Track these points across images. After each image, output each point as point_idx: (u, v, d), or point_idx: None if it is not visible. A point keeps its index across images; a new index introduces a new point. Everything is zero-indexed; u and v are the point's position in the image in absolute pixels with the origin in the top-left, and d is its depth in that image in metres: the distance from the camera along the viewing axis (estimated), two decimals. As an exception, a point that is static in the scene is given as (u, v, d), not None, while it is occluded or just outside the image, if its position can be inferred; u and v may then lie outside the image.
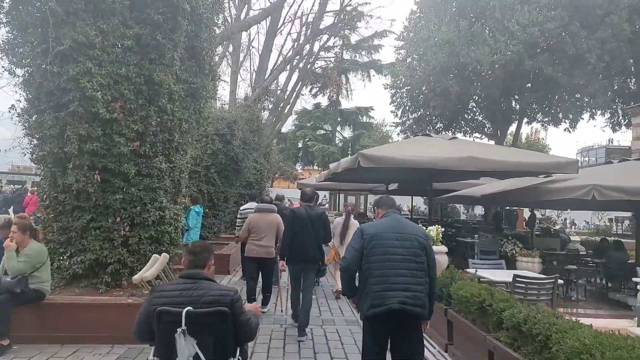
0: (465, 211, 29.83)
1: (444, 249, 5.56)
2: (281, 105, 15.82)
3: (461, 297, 3.82)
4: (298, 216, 5.61)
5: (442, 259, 5.54)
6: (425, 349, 3.40)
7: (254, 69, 15.36)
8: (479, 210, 29.00)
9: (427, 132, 10.41)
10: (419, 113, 21.83)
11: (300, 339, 5.25)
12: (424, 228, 4.23)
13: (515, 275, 4.48)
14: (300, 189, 14.96)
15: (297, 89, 16.66)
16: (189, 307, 2.40)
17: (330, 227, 5.97)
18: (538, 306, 3.38)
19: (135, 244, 5.52)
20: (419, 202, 28.94)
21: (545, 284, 4.47)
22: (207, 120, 6.67)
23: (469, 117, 21.64)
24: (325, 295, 7.81)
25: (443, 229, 5.77)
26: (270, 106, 13.46)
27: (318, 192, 18.69)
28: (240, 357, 2.64)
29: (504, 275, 4.98)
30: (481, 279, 4.77)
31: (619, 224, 24.76)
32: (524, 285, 4.51)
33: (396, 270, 3.09)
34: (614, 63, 16.95)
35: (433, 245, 5.59)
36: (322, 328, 5.78)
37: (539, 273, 8.60)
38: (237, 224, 8.18)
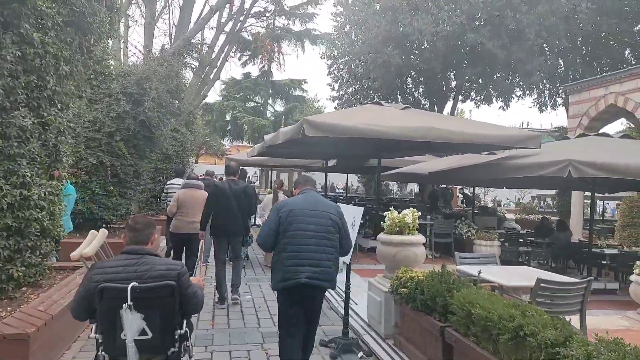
0: (399, 189, 29.62)
1: (421, 238, 4.35)
2: (207, 68, 13.78)
3: (480, 318, 2.59)
4: (221, 190, 5.83)
5: (418, 251, 4.33)
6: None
7: (173, 23, 13.14)
8: (411, 188, 28.94)
9: (379, 101, 9.13)
10: (357, 86, 20.70)
11: (235, 297, 5.79)
12: (360, 208, 4.06)
13: (540, 280, 3.36)
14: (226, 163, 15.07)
15: (225, 51, 14.66)
16: (134, 283, 2.37)
17: (257, 202, 6.27)
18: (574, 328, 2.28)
19: (-20, 238, 3.68)
20: (353, 180, 28.15)
21: (577, 289, 3.41)
22: (99, 63, 4.83)
23: (407, 92, 20.91)
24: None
25: (418, 213, 4.49)
26: (194, 65, 11.43)
27: (248, 169, 17.24)
28: (187, 329, 2.65)
29: (515, 277, 3.86)
30: (492, 286, 3.59)
31: (541, 202, 25.79)
32: (550, 294, 3.41)
33: (308, 246, 3.23)
34: (550, 40, 16.91)
35: (409, 234, 4.37)
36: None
37: (499, 257, 7.87)
38: (161, 198, 8.75)
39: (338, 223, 3.37)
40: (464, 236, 8.79)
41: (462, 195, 20.84)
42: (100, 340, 2.46)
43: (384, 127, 6.95)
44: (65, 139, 4.54)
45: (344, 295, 4.42)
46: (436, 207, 17.53)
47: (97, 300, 2.38)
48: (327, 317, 5.34)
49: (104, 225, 8.36)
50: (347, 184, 21.91)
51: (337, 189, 31.51)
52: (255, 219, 15.78)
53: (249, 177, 17.54)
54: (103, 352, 2.45)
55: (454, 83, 20.91)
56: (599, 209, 21.32)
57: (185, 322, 2.64)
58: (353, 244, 3.76)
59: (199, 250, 6.62)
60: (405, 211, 4.37)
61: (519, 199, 28.36)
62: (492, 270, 3.96)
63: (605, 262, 8.11)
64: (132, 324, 2.32)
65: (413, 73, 19.80)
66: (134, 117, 7.98)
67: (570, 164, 6.08)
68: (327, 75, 20.67)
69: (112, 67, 8.57)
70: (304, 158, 15.44)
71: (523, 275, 3.92)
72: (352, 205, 4.36)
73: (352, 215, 4.04)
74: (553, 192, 23.00)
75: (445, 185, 19.45)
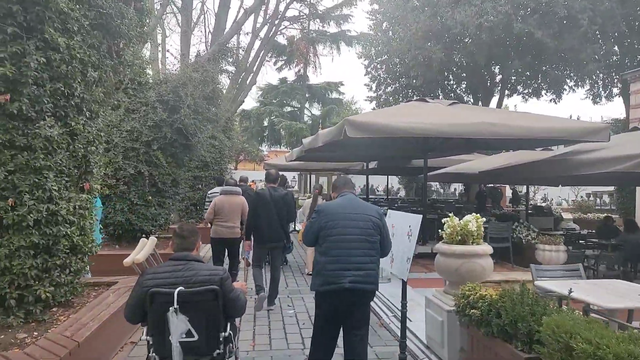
0: (441, 190, 28.53)
1: (488, 249, 3.75)
2: (243, 74, 13.60)
3: (586, 355, 2.02)
4: (261, 197, 5.87)
5: (486, 264, 3.75)
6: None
7: (209, 30, 13.05)
8: (455, 187, 27.82)
9: (423, 97, 8.53)
10: (396, 85, 20.02)
11: (270, 307, 5.79)
12: (419, 216, 3.61)
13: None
14: (266, 169, 15.16)
15: (260, 55, 14.45)
16: (181, 287, 2.47)
17: (295, 208, 6.22)
18: None
19: (5, 257, 3.43)
20: (393, 182, 27.36)
21: None
22: (131, 68, 4.59)
23: (448, 89, 20.04)
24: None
25: (483, 219, 3.90)
26: (230, 70, 11.23)
27: (286, 173, 16.99)
28: (230, 332, 2.72)
29: (614, 296, 3.14)
30: (590, 310, 2.97)
31: (598, 199, 24.06)
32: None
33: (349, 250, 3.20)
34: (605, 26, 15.63)
35: (473, 243, 3.80)
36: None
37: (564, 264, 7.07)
38: (204, 207, 8.86)
39: (379, 224, 3.33)
40: (524, 240, 8.00)
41: (511, 195, 19.69)
42: (150, 342, 2.57)
43: (433, 125, 6.38)
44: (95, 148, 4.28)
45: (397, 312, 3.91)
46: (484, 207, 16.61)
47: (147, 304, 2.50)
48: (379, 336, 4.83)
49: (143, 235, 8.22)
50: (387, 185, 21.18)
51: (377, 191, 30.77)
52: (295, 225, 15.49)
53: (287, 183, 17.29)
54: (154, 354, 2.55)
55: (498, 77, 19.84)
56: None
57: (229, 325, 2.72)
58: (411, 257, 3.25)
59: (240, 254, 6.72)
60: (467, 217, 3.79)
61: (574, 196, 26.54)
62: (581, 286, 3.31)
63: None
64: (178, 326, 2.43)
65: (454, 69, 18.92)
66: (170, 124, 7.80)
67: (652, 159, 5.29)
68: (365, 75, 20.10)
69: (149, 75, 8.43)
70: (344, 161, 14.98)
71: (622, 293, 3.23)
72: (407, 213, 3.84)
73: (408, 224, 3.52)
74: (610, 188, 21.39)
75: (492, 184, 18.43)
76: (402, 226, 3.64)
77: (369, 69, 19.96)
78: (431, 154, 9.24)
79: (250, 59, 13.69)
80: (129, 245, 8.04)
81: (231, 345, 2.74)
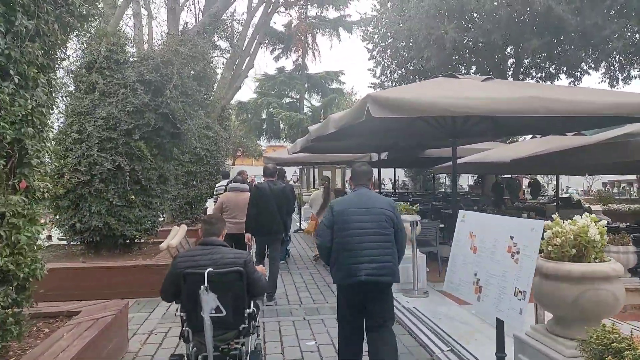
0: (449, 182, 27.26)
1: (620, 268, 2.45)
2: (237, 60, 12.29)
3: None
4: (261, 191, 5.96)
5: (618, 291, 2.41)
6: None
7: (199, 9, 11.70)
8: (465, 180, 26.58)
9: (452, 72, 7.24)
10: (401, 72, 18.71)
11: (269, 303, 5.72)
12: (538, 222, 2.58)
13: None
14: (265, 163, 15.02)
15: (257, 38, 13.13)
16: (210, 269, 2.73)
17: (294, 202, 6.73)
18: None
19: None
20: (399, 174, 26.05)
21: None
22: (85, 19, 3.34)
23: (461, 71, 18.74)
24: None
25: (603, 221, 2.60)
26: (224, 46, 9.87)
27: (287, 168, 15.81)
28: (254, 309, 3.03)
29: None
30: None
31: (616, 188, 22.88)
32: None
33: (364, 244, 3.29)
34: (631, 0, 14.35)
35: (596, 260, 2.55)
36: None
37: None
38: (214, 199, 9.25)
39: (392, 217, 3.40)
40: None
41: (528, 185, 18.48)
42: (184, 318, 2.87)
43: (480, 101, 5.15)
44: (35, 131, 3.02)
45: (455, 345, 2.68)
46: (502, 200, 15.42)
47: (182, 283, 2.80)
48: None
49: (127, 241, 7.00)
50: (395, 178, 19.86)
51: (384, 184, 29.51)
52: (300, 223, 14.28)
53: (285, 176, 16.00)
54: (187, 328, 2.85)
55: (510, 60, 18.57)
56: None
57: (252, 303, 3.00)
58: (528, 291, 2.04)
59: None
60: (581, 219, 2.53)
61: (587, 185, 25.34)
62: None
63: None
64: (209, 303, 2.68)
65: (466, 52, 17.64)
66: (154, 109, 6.53)
67: None
68: (369, 59, 18.77)
69: (128, 53, 7.15)
70: (352, 152, 13.75)
71: None
72: (504, 216, 2.59)
73: (509, 234, 2.29)
74: (631, 176, 20.22)
75: (510, 175, 17.22)
76: (496, 237, 2.41)
77: (373, 53, 18.64)
78: (460, 141, 8.01)
79: (246, 41, 12.36)
80: (110, 254, 6.81)
81: (254, 322, 3.05)
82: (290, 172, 24.92)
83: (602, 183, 23.88)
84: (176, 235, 3.83)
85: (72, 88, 6.80)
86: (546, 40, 15.42)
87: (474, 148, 11.51)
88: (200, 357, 2.78)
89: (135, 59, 6.99)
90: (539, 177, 17.35)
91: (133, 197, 6.66)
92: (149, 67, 6.57)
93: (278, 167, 7.22)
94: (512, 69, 18.66)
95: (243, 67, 12.45)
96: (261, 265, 3.84)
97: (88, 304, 3.99)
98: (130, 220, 6.68)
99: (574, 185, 29.54)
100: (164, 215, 8.78)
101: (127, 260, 6.51)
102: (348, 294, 3.37)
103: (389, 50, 18.64)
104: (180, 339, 2.90)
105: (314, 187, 19.55)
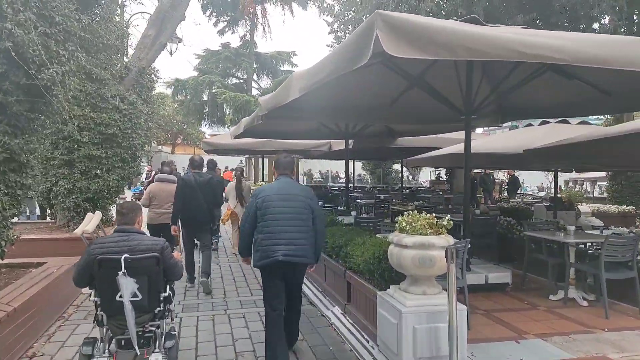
0: (411, 177, 25.39)
1: None
2: (164, 15, 9.32)
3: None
4: (187, 183, 6.19)
5: None
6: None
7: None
8: (425, 176, 24.86)
9: (475, 16, 4.91)
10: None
11: (203, 278, 6.16)
12: None
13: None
14: (205, 150, 13.74)
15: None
16: (126, 255, 2.81)
17: (222, 193, 6.81)
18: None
19: None
20: (357, 168, 23.82)
21: None
22: None
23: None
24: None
25: None
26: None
27: (230, 158, 13.18)
28: (170, 292, 3.17)
29: None
30: None
31: (579, 186, 22.07)
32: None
33: (282, 227, 3.59)
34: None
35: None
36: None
37: None
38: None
39: (310, 204, 3.72)
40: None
41: (506, 182, 16.91)
42: (98, 302, 2.96)
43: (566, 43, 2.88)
44: None
45: None
46: (475, 198, 13.68)
47: (95, 269, 2.86)
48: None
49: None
50: (351, 170, 17.34)
51: (340, 178, 27.22)
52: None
53: (218, 168, 13.23)
54: (101, 312, 2.95)
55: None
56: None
57: (168, 287, 3.16)
58: None
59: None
60: None
61: (548, 183, 24.41)
62: None
63: None
64: (127, 287, 2.77)
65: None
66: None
67: None
68: (329, 33, 16.32)
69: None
70: (311, 138, 11.25)
71: None
72: None
73: None
74: (601, 174, 19.27)
75: (482, 170, 15.51)
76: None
77: (334, 27, 16.19)
78: (478, 120, 5.76)
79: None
80: None
81: (169, 305, 3.23)
82: (234, 164, 21.80)
83: (564, 180, 23.03)
84: (91, 222, 3.79)
85: None
86: (532, 17, 13.73)
87: (445, 138, 9.59)
88: (114, 340, 2.89)
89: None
90: (515, 174, 15.74)
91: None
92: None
93: (209, 158, 7.47)
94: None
95: (172, 17, 9.41)
96: (177, 252, 3.74)
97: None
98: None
99: (528, 182, 28.79)
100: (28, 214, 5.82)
101: None
102: (268, 273, 3.68)
103: (350, 26, 16.30)
104: (94, 322, 3.00)
105: (262, 180, 16.90)
